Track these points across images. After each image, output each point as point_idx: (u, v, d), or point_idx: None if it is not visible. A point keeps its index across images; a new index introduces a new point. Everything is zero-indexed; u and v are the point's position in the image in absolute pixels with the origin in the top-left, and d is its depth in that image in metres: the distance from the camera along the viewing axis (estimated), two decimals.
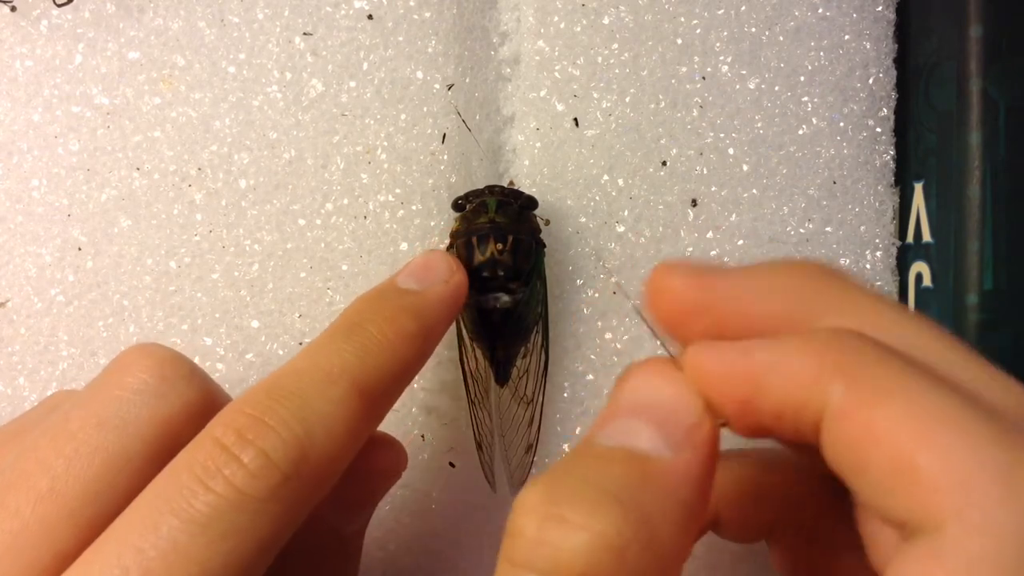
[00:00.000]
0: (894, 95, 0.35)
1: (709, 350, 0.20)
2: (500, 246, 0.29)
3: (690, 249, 0.34)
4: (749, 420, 0.19)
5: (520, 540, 0.17)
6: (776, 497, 0.25)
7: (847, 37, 0.34)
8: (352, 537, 0.28)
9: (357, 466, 0.23)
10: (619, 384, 0.21)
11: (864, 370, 0.18)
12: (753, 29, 0.34)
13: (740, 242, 0.34)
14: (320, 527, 0.24)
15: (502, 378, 0.32)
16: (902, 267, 0.35)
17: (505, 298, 0.30)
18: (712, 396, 0.19)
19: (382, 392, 0.24)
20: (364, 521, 0.28)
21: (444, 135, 0.34)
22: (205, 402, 0.24)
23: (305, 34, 0.33)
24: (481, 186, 0.31)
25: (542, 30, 0.34)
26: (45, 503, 0.21)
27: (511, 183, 0.34)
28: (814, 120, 0.34)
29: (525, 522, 0.17)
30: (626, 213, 0.34)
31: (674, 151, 0.34)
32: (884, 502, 0.17)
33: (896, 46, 0.35)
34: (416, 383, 0.32)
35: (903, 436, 0.17)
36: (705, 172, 0.34)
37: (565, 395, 0.34)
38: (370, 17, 0.34)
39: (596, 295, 0.34)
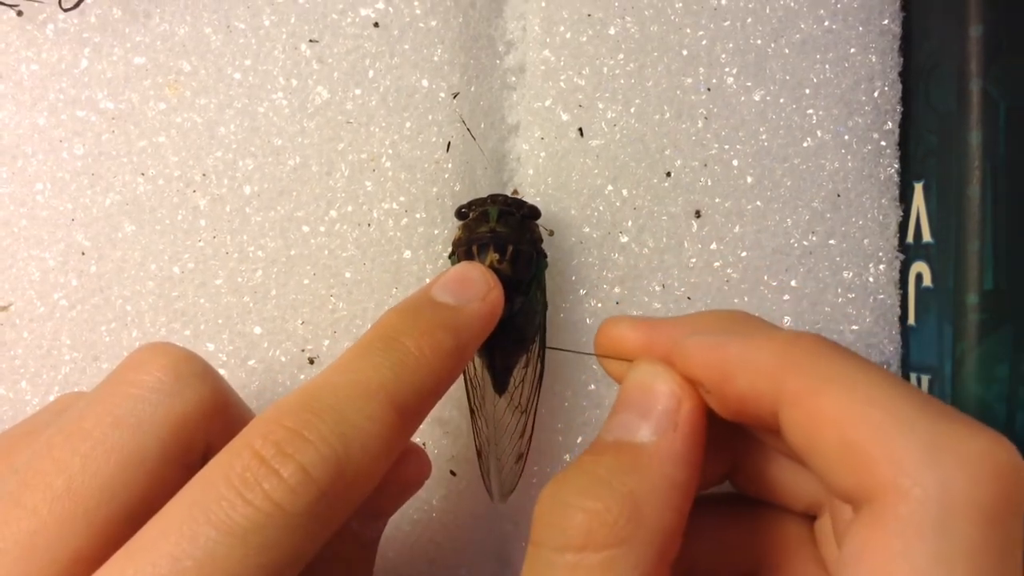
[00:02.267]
0: (899, 108, 0.35)
1: (694, 340, 0.23)
2: (499, 255, 0.30)
3: (693, 260, 0.34)
4: (722, 404, 0.22)
5: (536, 523, 0.21)
6: (750, 545, 0.25)
7: (852, 50, 0.34)
8: (370, 543, 0.28)
9: (385, 475, 0.23)
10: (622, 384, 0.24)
11: (812, 363, 0.20)
12: (759, 41, 0.34)
13: (743, 254, 0.34)
14: (343, 533, 0.24)
15: (500, 387, 0.32)
16: (902, 267, 0.35)
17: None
18: (696, 380, 0.23)
19: (416, 408, 0.24)
20: (382, 527, 0.28)
21: (449, 143, 0.34)
22: (218, 401, 0.24)
23: (311, 41, 0.33)
24: (485, 195, 0.31)
25: (548, 40, 0.34)
26: (62, 502, 0.21)
27: (515, 192, 0.34)
28: (819, 133, 0.34)
29: (539, 509, 0.22)
30: (630, 224, 0.34)
31: (678, 162, 0.34)
32: (834, 479, 0.20)
33: (901, 59, 0.35)
34: None
35: (843, 418, 0.19)
36: (709, 183, 0.34)
37: (566, 404, 0.34)
38: (376, 25, 0.34)
39: (599, 305, 0.34)
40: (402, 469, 0.26)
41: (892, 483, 0.18)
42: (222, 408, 0.24)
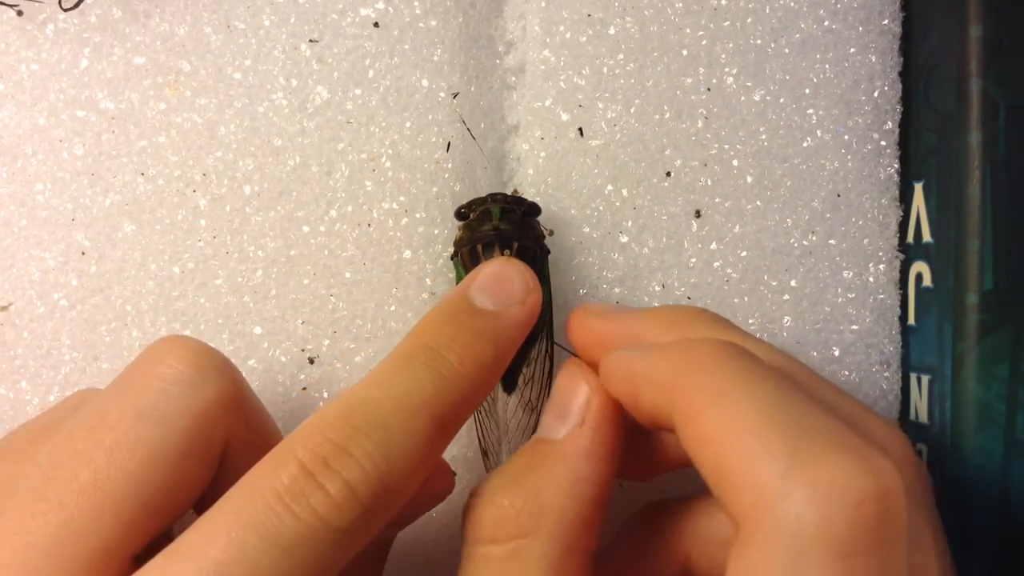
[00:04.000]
0: (899, 108, 0.35)
1: (611, 358, 0.24)
2: (506, 253, 0.29)
3: (693, 260, 0.34)
4: (643, 420, 0.23)
5: (463, 519, 0.23)
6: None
7: (852, 50, 0.35)
8: (384, 546, 0.28)
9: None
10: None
11: (700, 379, 0.20)
12: (759, 41, 0.34)
13: (743, 253, 0.34)
14: None
15: (509, 385, 0.32)
16: (902, 267, 0.35)
17: None
18: (619, 399, 0.24)
19: (455, 421, 0.24)
20: (396, 532, 0.28)
21: (449, 143, 0.34)
22: (237, 395, 0.24)
23: (311, 41, 0.33)
24: (484, 195, 0.31)
25: (548, 40, 0.34)
26: (88, 496, 0.21)
27: (515, 192, 0.34)
28: (819, 132, 0.34)
29: (465, 505, 0.24)
30: (630, 224, 0.34)
31: (678, 162, 0.34)
32: (719, 499, 0.19)
33: (901, 59, 0.35)
34: None
35: (717, 441, 0.19)
36: (709, 183, 0.34)
37: None
38: (376, 25, 0.34)
39: None
40: (431, 483, 0.26)
41: (753, 513, 0.18)
42: (240, 402, 0.24)
